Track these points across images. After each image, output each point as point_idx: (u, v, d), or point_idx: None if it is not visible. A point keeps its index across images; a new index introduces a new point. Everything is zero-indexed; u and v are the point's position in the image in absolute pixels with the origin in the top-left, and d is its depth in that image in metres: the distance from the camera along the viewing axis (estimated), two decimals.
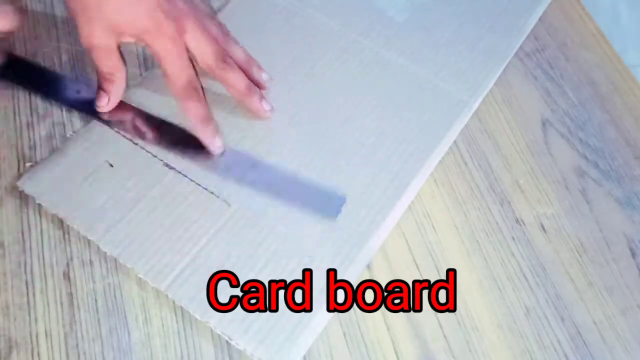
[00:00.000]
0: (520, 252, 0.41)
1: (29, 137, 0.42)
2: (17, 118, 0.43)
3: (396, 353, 0.36)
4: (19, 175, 0.40)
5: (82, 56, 0.46)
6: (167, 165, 0.40)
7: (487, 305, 0.39)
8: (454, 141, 0.45)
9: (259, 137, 0.43)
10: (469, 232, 0.41)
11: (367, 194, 0.41)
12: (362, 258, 0.38)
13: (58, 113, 0.43)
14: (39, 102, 0.43)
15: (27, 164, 0.41)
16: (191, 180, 0.40)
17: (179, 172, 0.40)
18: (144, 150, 0.41)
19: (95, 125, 0.42)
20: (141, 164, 0.40)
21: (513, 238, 0.41)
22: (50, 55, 0.46)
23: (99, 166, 0.40)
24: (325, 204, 0.40)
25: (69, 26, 0.47)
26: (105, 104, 0.41)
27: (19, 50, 0.45)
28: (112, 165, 0.40)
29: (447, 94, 0.46)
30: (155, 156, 0.41)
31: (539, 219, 0.42)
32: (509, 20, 0.51)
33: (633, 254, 0.42)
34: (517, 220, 0.42)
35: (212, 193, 0.39)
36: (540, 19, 0.52)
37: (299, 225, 0.39)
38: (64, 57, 0.46)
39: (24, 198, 0.39)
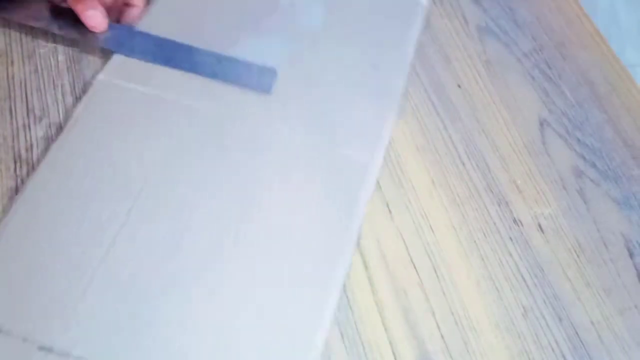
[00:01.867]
0: (517, 253, 0.41)
1: (25, 138, 0.42)
2: (14, 119, 0.43)
3: (394, 354, 0.36)
4: (15, 177, 0.40)
5: (79, 57, 0.46)
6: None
7: (485, 306, 0.39)
8: (452, 142, 0.45)
9: None
10: (466, 232, 0.41)
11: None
12: None
13: (55, 114, 0.43)
14: (35, 102, 0.43)
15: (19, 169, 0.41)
16: None
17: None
18: None
19: None
20: None
21: (511, 238, 0.41)
22: (47, 56, 0.45)
23: None
24: (258, 78, 0.42)
25: None
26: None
27: (15, 50, 0.45)
28: None
29: (346, 159, 0.41)
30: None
31: (537, 219, 0.42)
32: (389, 54, 0.46)
33: (631, 254, 0.41)
34: (514, 221, 0.42)
35: None
36: (537, 18, 0.52)
37: None
38: (60, 58, 0.46)
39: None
